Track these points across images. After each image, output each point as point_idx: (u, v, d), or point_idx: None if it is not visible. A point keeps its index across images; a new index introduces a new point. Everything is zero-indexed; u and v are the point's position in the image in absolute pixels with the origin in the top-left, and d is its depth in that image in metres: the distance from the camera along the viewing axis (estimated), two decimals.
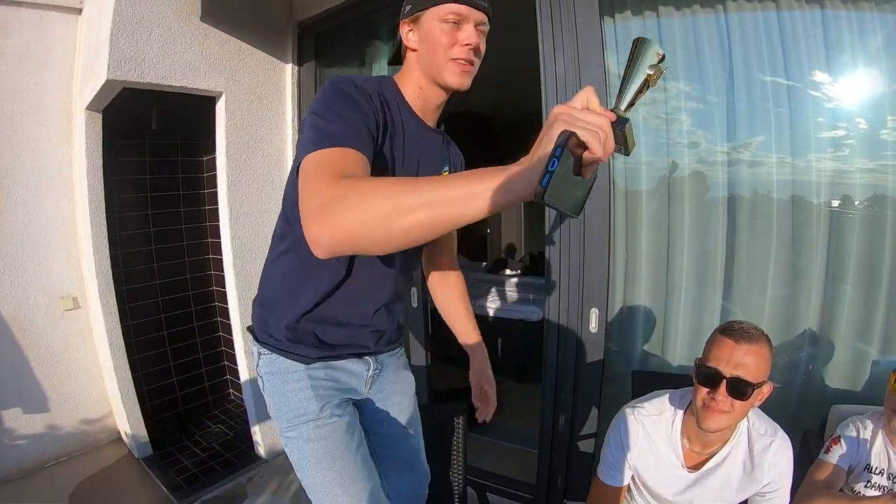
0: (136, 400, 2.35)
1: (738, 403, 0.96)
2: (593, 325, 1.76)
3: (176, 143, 2.81)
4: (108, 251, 2.23)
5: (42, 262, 2.32)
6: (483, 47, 0.98)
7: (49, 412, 2.36)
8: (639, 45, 0.58)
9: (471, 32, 0.93)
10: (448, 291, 1.35)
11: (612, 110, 0.58)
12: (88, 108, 2.14)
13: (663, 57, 0.58)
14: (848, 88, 1.49)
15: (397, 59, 1.06)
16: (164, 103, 2.29)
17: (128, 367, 2.31)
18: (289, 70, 2.50)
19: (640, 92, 0.59)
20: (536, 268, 3.87)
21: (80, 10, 2.39)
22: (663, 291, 1.76)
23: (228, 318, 2.42)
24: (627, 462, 1.15)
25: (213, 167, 2.40)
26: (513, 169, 0.56)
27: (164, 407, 2.72)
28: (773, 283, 1.59)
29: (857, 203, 1.49)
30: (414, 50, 0.98)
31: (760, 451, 1.06)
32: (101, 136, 2.20)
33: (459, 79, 0.95)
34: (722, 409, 0.96)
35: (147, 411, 2.42)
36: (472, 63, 0.95)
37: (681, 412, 1.12)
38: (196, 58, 2.08)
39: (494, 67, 1.44)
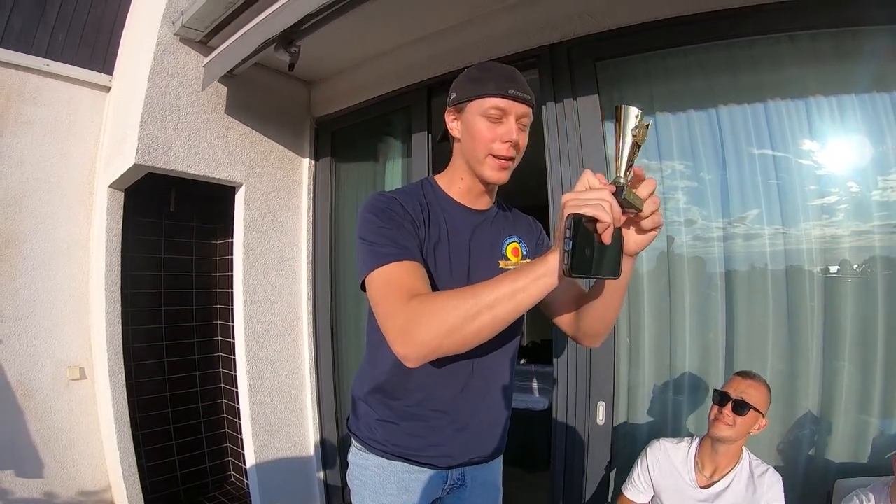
0: (137, 476, 2.31)
1: (739, 420, 1.31)
2: (600, 418, 1.78)
3: (192, 226, 2.89)
4: (120, 326, 2.25)
5: (52, 329, 2.34)
6: (525, 142, 0.97)
7: (46, 479, 2.30)
8: (620, 113, 0.66)
9: (511, 128, 0.93)
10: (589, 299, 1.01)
11: (612, 181, 0.67)
12: (112, 185, 2.22)
13: (641, 114, 0.67)
14: (835, 154, 1.56)
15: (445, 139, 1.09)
16: (182, 187, 2.37)
17: (131, 442, 2.29)
18: (306, 164, 2.60)
19: (632, 153, 0.67)
20: (541, 355, 3.85)
21: (108, 89, 2.52)
22: (667, 374, 1.78)
23: (235, 401, 2.42)
24: (651, 480, 1.46)
25: (226, 251, 2.47)
26: (547, 259, 0.68)
27: (163, 485, 2.67)
28: (773, 359, 1.60)
29: (854, 266, 1.52)
30: (457, 139, 1.01)
31: (759, 475, 1.35)
32: (121, 213, 2.27)
33: (497, 174, 0.96)
34: (727, 422, 1.32)
35: (146, 488, 2.37)
36: (511, 159, 0.96)
37: (696, 444, 1.45)
38: (219, 148, 2.18)
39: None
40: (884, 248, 1.48)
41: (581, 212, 0.63)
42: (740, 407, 1.31)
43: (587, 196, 0.64)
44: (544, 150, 1.81)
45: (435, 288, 0.92)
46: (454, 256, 1.00)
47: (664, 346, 1.76)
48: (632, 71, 1.80)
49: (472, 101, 0.96)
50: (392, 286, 0.82)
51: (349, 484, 1.10)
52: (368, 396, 1.05)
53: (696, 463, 1.42)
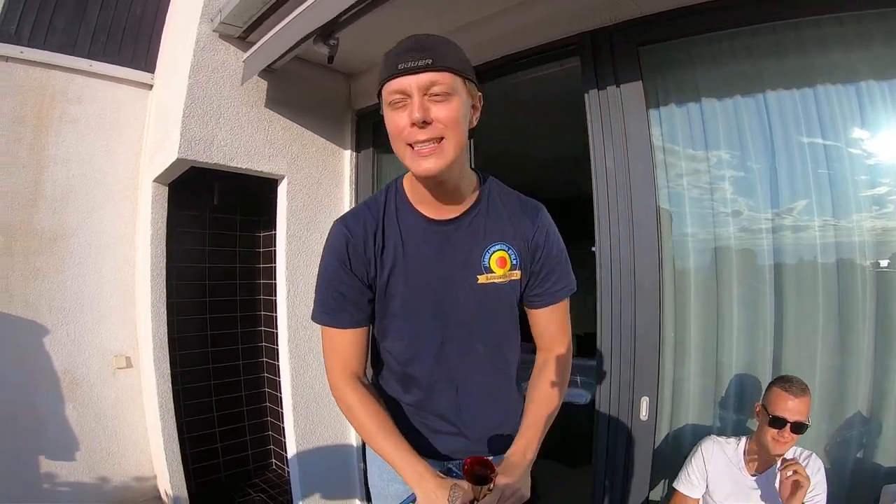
0: (181, 462, 2.38)
1: (795, 436, 1.35)
2: (644, 414, 1.74)
3: (235, 219, 2.96)
4: (165, 316, 2.32)
5: (98, 320, 2.42)
6: (447, 112, 0.79)
7: (93, 465, 2.40)
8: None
9: (415, 107, 0.78)
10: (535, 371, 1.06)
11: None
12: (156, 180, 2.28)
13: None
14: (888, 142, 1.48)
15: None
16: (225, 180, 2.42)
17: (175, 429, 2.35)
18: (347, 156, 2.62)
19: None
20: (584, 348, 3.81)
21: (150, 86, 2.58)
22: (713, 370, 1.73)
23: (277, 391, 2.46)
24: (706, 474, 1.51)
25: (270, 243, 2.49)
26: (421, 478, 0.86)
27: (206, 471, 2.75)
28: (822, 356, 1.55)
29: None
30: None
31: (804, 461, 1.38)
32: (166, 207, 2.33)
33: (421, 165, 0.81)
34: (787, 442, 1.35)
35: (189, 474, 2.44)
36: (428, 141, 0.80)
37: (745, 441, 1.52)
38: (261, 141, 2.21)
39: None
40: None
41: None
42: (799, 428, 1.34)
43: None
44: (588, 138, 1.77)
45: (398, 316, 0.99)
46: (414, 278, 0.94)
47: (710, 341, 1.71)
48: (676, 56, 1.74)
49: (379, 93, 0.85)
50: (329, 347, 1.00)
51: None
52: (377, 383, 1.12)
53: (745, 456, 1.50)
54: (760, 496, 1.46)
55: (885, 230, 1.47)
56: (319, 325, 1.01)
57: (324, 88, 2.52)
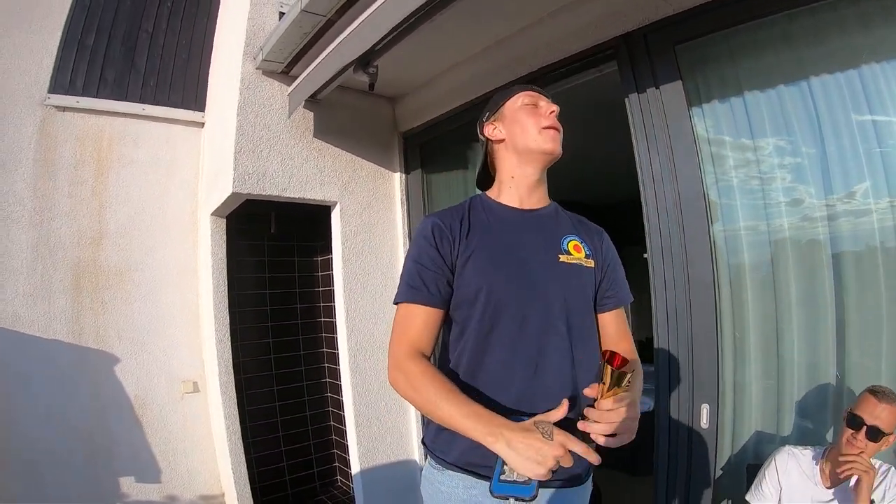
0: (248, 482, 2.48)
1: (871, 445, 1.27)
2: (704, 421, 1.69)
3: (292, 245, 3.08)
4: (229, 342, 2.43)
5: (166, 347, 2.57)
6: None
7: (163, 484, 2.53)
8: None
9: (547, 105, 1.09)
10: None
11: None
12: (214, 213, 2.41)
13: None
14: None
15: (484, 179, 1.19)
16: (281, 209, 2.53)
17: (242, 449, 2.46)
18: (397, 179, 2.69)
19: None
20: (642, 355, 3.71)
21: (202, 124, 2.74)
22: (774, 374, 1.67)
23: (341, 409, 2.52)
24: (780, 486, 1.45)
25: (328, 267, 2.57)
26: (495, 444, 0.76)
27: (272, 489, 2.85)
28: (889, 352, 1.45)
29: None
30: (501, 140, 1.11)
31: (880, 474, 1.33)
32: (224, 238, 2.46)
33: (553, 144, 1.06)
34: (859, 447, 1.28)
35: (256, 491, 2.54)
36: (559, 129, 1.08)
37: (821, 452, 1.46)
38: (312, 171, 2.30)
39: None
40: None
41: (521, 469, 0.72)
42: (874, 434, 1.28)
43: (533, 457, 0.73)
44: (631, 143, 1.76)
45: (484, 289, 0.99)
46: (500, 253, 1.03)
47: (771, 342, 1.64)
48: (714, 51, 1.71)
49: (505, 103, 1.12)
50: (400, 327, 1.00)
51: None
52: None
53: (821, 468, 1.44)
54: None
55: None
56: (397, 311, 1.02)
57: (369, 114, 2.60)
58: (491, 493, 0.76)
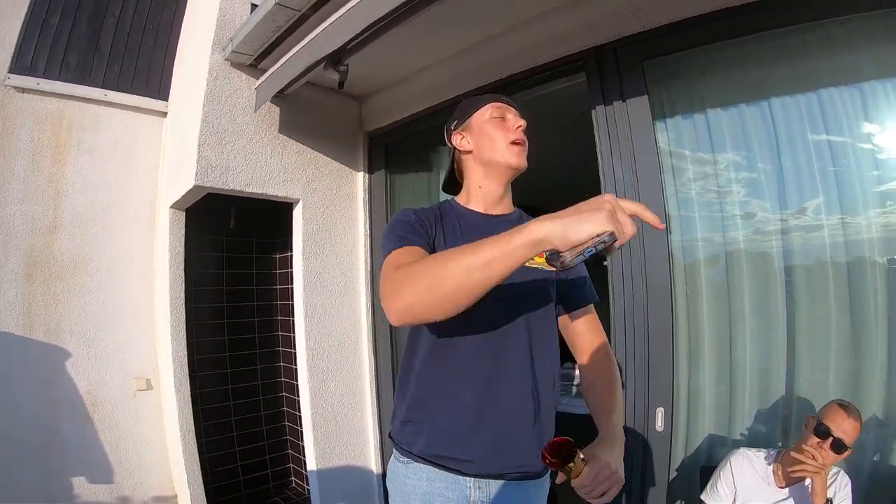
0: (202, 482, 2.41)
1: (832, 455, 1.32)
2: (659, 424, 1.74)
3: (252, 241, 3.00)
4: (185, 339, 2.36)
5: (119, 343, 2.46)
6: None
7: (115, 484, 2.42)
8: None
9: (514, 119, 1.11)
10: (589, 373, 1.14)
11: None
12: (173, 206, 2.33)
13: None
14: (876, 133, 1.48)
15: (451, 184, 1.21)
16: (241, 204, 2.47)
17: (196, 449, 2.38)
18: (360, 178, 2.66)
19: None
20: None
21: (165, 114, 2.65)
22: (727, 378, 1.72)
23: (296, 409, 2.48)
24: (735, 487, 1.50)
25: (286, 265, 2.52)
26: (540, 230, 0.67)
27: (226, 490, 2.77)
28: (836, 359, 1.55)
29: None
30: (469, 152, 1.13)
31: (831, 475, 1.38)
32: (183, 232, 2.38)
33: (518, 158, 1.09)
34: (822, 456, 1.32)
35: (210, 492, 2.47)
36: (525, 143, 1.10)
37: (775, 454, 1.51)
38: (276, 167, 2.26)
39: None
40: None
41: (612, 231, 0.63)
42: (839, 446, 1.33)
43: (625, 223, 0.64)
44: (596, 153, 1.79)
45: None
46: None
47: (724, 348, 1.71)
48: (681, 67, 1.77)
49: (473, 114, 1.13)
50: (389, 266, 0.90)
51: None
52: (405, 393, 1.08)
53: (774, 470, 1.50)
54: None
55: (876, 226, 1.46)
56: (383, 268, 0.93)
57: (335, 112, 2.57)
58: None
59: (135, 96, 2.58)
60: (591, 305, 1.18)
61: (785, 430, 1.65)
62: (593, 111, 1.80)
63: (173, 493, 2.57)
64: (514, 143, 1.09)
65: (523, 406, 1.02)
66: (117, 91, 2.54)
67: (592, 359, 1.14)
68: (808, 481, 1.37)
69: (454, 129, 1.16)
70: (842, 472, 1.42)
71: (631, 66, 1.75)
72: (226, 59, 2.17)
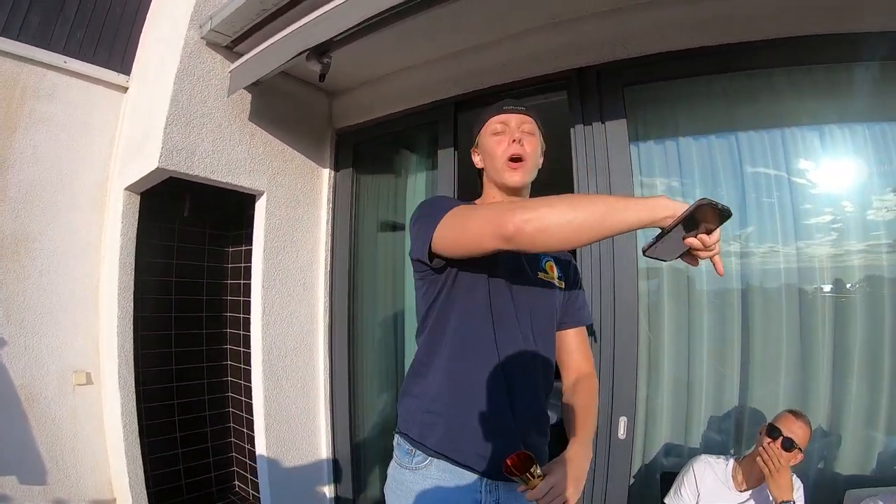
0: (143, 484, 2.26)
1: (784, 454, 1.45)
2: (622, 432, 1.79)
3: (204, 232, 2.86)
4: (131, 332, 2.20)
5: (60, 332, 2.26)
6: (532, 145, 1.10)
7: (49, 485, 2.21)
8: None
9: (513, 130, 1.10)
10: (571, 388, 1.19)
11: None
12: (128, 188, 2.18)
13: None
14: (831, 173, 1.67)
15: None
16: (197, 192, 2.34)
17: (139, 449, 2.23)
18: (326, 175, 2.58)
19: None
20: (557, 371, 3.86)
21: (125, 89, 2.48)
22: (685, 390, 1.82)
23: (242, 411, 2.36)
24: (697, 490, 1.60)
25: (239, 259, 2.40)
26: (652, 203, 0.79)
27: (168, 494, 2.63)
28: (786, 375, 1.69)
29: (848, 286, 1.63)
30: (483, 168, 1.17)
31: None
32: (137, 217, 2.23)
33: (512, 177, 1.09)
34: (773, 453, 1.45)
35: (151, 496, 2.32)
36: (520, 159, 1.08)
37: (733, 461, 1.63)
38: (243, 155, 2.15)
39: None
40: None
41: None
42: (789, 444, 1.47)
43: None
44: (572, 171, 1.83)
45: (480, 294, 1.04)
46: (486, 270, 1.06)
47: (682, 362, 1.82)
48: (659, 96, 1.85)
49: (481, 129, 1.15)
50: (467, 209, 0.95)
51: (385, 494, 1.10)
52: (425, 379, 1.07)
53: (733, 475, 1.61)
54: None
55: (832, 257, 1.64)
56: (449, 221, 0.95)
57: (305, 105, 2.48)
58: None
59: (96, 67, 2.38)
60: (584, 328, 1.24)
61: (737, 439, 1.78)
62: (572, 130, 1.84)
63: (112, 497, 2.38)
64: (511, 158, 1.09)
65: (535, 414, 1.08)
66: (78, 59, 2.35)
67: (577, 377, 1.20)
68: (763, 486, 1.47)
69: (473, 147, 1.20)
70: (794, 476, 1.53)
71: (612, 90, 1.81)
72: (202, 38, 2.05)
